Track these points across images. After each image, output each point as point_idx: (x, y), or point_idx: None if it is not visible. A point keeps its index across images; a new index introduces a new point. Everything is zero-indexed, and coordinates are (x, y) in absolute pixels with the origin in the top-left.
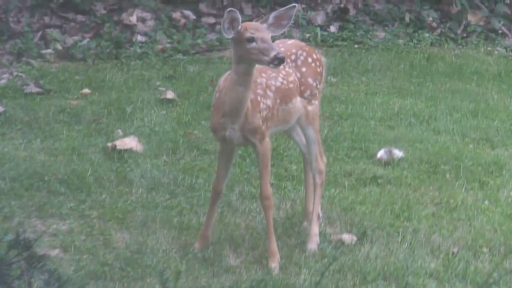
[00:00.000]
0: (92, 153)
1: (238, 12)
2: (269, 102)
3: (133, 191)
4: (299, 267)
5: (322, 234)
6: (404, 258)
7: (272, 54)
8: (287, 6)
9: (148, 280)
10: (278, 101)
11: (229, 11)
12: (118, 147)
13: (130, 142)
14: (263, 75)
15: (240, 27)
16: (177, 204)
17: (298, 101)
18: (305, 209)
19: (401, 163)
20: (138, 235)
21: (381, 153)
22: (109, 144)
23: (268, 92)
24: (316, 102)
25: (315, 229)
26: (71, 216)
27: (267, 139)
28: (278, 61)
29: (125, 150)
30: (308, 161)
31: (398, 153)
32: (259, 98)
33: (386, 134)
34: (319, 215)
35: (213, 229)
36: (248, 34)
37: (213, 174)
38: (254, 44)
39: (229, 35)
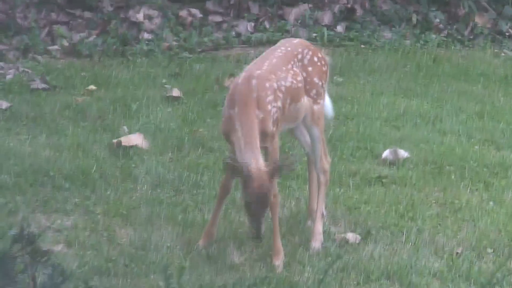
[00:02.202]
0: (97, 149)
1: (232, 159)
2: (279, 103)
3: (138, 188)
4: (303, 265)
5: (326, 233)
6: (408, 258)
7: (251, 233)
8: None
9: (152, 277)
10: (288, 100)
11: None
12: (123, 144)
13: (135, 139)
14: (273, 77)
15: (247, 173)
16: (182, 201)
17: (306, 100)
18: (309, 208)
19: (406, 163)
20: (142, 231)
21: (386, 153)
22: (115, 141)
23: (278, 93)
24: (322, 101)
25: (319, 228)
26: (76, 212)
27: (276, 139)
28: (252, 240)
29: (131, 147)
30: (312, 160)
31: (403, 153)
32: (269, 107)
33: (391, 134)
34: (323, 214)
35: (218, 227)
36: (247, 198)
37: (218, 171)
38: (248, 209)
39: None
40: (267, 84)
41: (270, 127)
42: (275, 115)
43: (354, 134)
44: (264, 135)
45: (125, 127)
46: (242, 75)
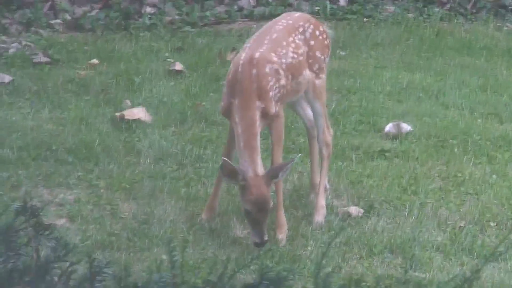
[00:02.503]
0: (100, 123)
1: (229, 163)
2: (282, 81)
3: (141, 161)
4: (306, 239)
5: (329, 207)
6: (411, 231)
7: (254, 239)
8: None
9: (155, 250)
10: (290, 77)
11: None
12: (126, 117)
13: (138, 113)
14: (273, 56)
15: (244, 181)
16: (185, 174)
17: (308, 73)
18: (311, 182)
19: (409, 137)
20: (145, 205)
21: (389, 127)
22: (117, 114)
23: (280, 72)
24: (324, 76)
25: (322, 202)
26: (78, 186)
27: (281, 115)
28: (255, 245)
29: (133, 121)
30: (312, 134)
31: (406, 127)
32: (270, 94)
33: (394, 108)
34: (326, 187)
35: (221, 200)
36: (247, 207)
37: (221, 145)
38: (249, 216)
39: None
40: (267, 69)
41: (272, 110)
42: (277, 95)
43: (357, 108)
44: (266, 117)
45: (128, 101)
46: (243, 57)
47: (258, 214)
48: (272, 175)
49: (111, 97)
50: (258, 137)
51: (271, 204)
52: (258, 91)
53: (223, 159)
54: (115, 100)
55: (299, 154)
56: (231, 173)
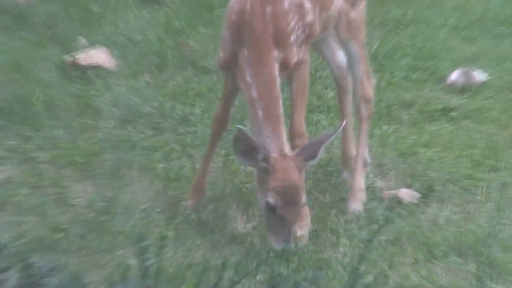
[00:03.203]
0: (43, 70)
1: (246, 134)
2: (308, 18)
3: (101, 125)
4: (336, 235)
5: (369, 189)
6: (488, 225)
7: (275, 244)
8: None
9: (119, 252)
10: (317, 11)
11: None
12: (80, 62)
13: (97, 56)
14: None
15: (265, 162)
16: (163, 143)
17: (340, 2)
18: (344, 153)
19: (484, 89)
20: (106, 188)
21: (455, 76)
22: (68, 58)
23: (305, 4)
24: (362, 4)
25: (359, 182)
26: (10, 160)
27: (306, 58)
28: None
29: (91, 67)
30: (344, 86)
31: (479, 75)
32: (292, 38)
33: (462, 49)
34: (365, 162)
35: (215, 181)
36: (269, 199)
37: (215, 101)
38: (270, 212)
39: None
40: (286, 3)
41: (294, 60)
42: (301, 37)
43: (409, 48)
44: (286, 69)
45: (82, 38)
46: None
47: (284, 210)
48: (307, 155)
49: (59, 33)
50: (281, 102)
51: (303, 198)
52: (275, 35)
53: (238, 127)
54: (65, 38)
55: (344, 121)
56: (248, 150)
